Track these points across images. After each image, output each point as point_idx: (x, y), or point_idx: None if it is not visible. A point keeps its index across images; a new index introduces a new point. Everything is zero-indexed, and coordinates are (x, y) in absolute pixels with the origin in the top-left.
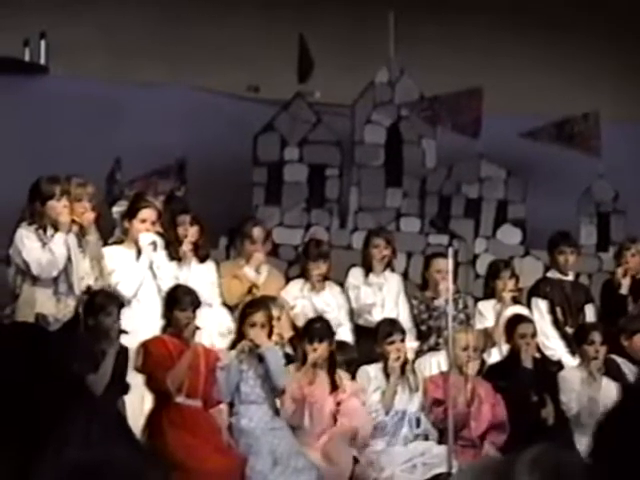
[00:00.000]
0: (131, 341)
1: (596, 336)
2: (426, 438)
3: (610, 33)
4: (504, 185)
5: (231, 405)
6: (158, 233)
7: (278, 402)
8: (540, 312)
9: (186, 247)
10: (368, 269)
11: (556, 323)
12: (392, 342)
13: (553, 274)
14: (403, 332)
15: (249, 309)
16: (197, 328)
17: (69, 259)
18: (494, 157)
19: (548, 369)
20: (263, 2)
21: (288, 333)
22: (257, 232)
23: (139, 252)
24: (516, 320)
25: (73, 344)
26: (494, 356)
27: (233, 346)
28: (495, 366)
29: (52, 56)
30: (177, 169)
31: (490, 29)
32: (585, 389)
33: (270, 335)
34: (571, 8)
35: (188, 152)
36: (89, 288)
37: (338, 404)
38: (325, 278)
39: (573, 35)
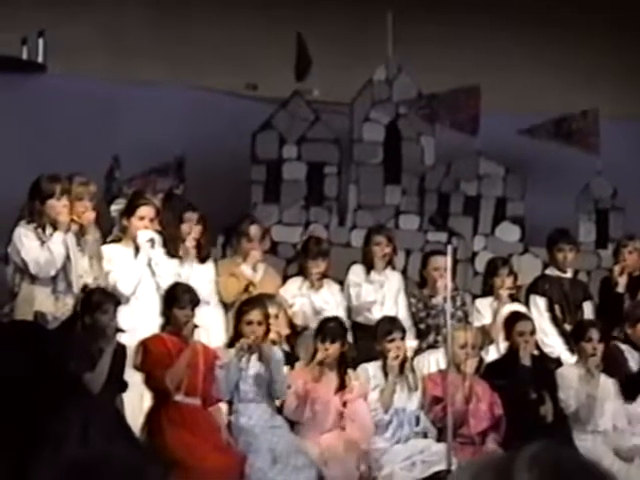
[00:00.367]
0: (130, 339)
1: (594, 333)
2: (425, 436)
3: (608, 31)
4: (503, 182)
5: (230, 403)
6: (156, 231)
7: (278, 401)
8: (539, 309)
9: (189, 243)
10: (369, 267)
11: (555, 320)
12: (392, 340)
13: (552, 271)
14: (403, 330)
15: (245, 307)
16: (196, 326)
17: (68, 258)
18: (493, 154)
19: (546, 366)
20: (262, 2)
21: (286, 331)
22: (254, 230)
23: (137, 250)
24: (515, 318)
25: (71, 342)
26: (491, 354)
27: (230, 344)
28: (494, 364)
29: (50, 54)
30: (176, 167)
31: (488, 27)
32: (583, 386)
33: (267, 333)
34: (569, 6)
35: (187, 150)
36: (86, 286)
37: (344, 404)
38: (324, 276)
39: (571, 33)
